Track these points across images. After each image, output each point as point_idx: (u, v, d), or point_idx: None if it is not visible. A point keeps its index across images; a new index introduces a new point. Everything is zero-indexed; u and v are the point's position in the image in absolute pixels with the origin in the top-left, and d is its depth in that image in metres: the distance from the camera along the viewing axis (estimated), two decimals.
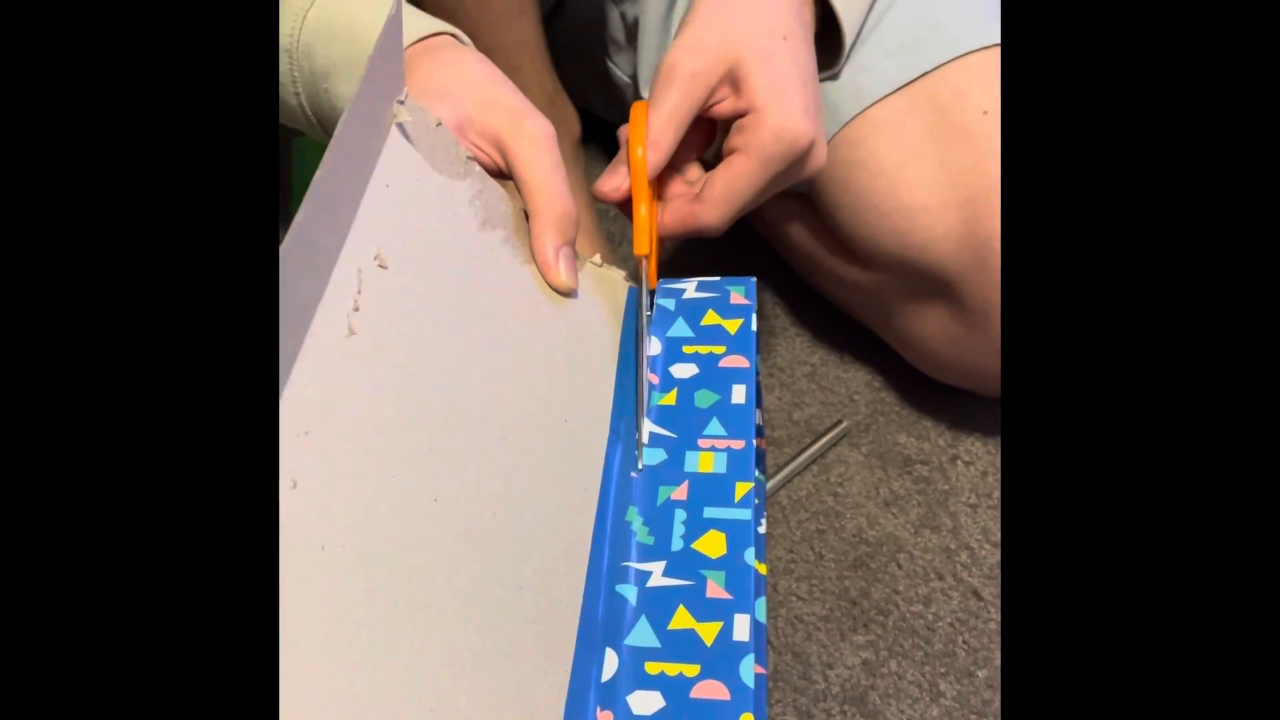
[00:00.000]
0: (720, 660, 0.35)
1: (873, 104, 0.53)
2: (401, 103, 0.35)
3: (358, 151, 0.32)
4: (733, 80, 0.46)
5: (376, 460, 0.30)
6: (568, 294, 0.41)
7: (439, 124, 0.37)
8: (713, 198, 0.46)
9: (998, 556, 0.55)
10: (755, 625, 0.36)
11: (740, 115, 0.46)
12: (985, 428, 0.61)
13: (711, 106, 0.47)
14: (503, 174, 0.42)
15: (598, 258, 0.45)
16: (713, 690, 0.34)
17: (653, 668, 0.35)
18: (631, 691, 0.35)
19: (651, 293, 0.46)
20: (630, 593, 0.37)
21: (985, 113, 0.51)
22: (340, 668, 0.26)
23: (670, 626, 0.36)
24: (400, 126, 0.35)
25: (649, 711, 0.34)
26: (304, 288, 0.28)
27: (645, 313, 0.44)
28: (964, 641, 0.52)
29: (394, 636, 0.28)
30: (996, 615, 0.53)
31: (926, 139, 0.52)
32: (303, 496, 0.27)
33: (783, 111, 0.44)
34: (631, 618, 0.36)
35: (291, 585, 0.26)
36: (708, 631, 0.36)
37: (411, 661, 0.29)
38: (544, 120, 0.41)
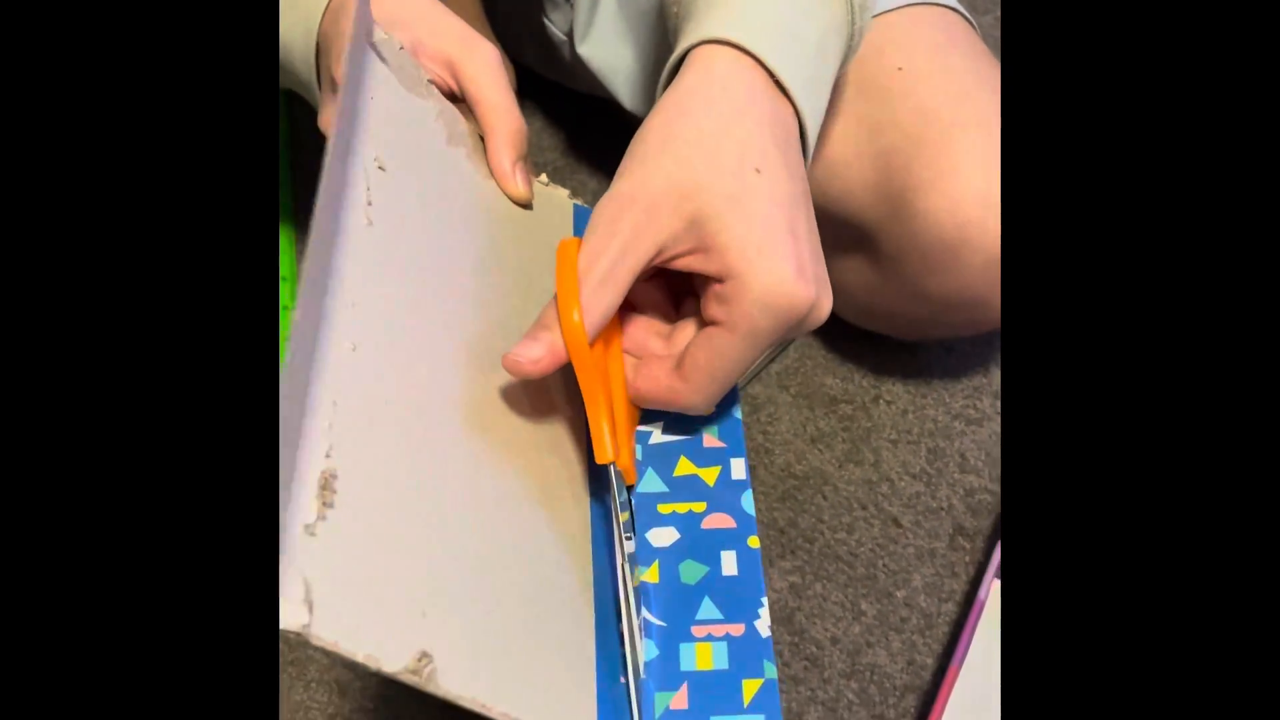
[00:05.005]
0: (723, 496, 0.40)
1: None
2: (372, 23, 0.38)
3: (355, 66, 0.36)
4: (697, 235, 0.37)
5: (408, 328, 0.35)
6: (524, 205, 0.45)
7: (401, 47, 0.40)
8: (696, 378, 0.38)
9: (916, 488, 0.59)
10: (749, 467, 0.41)
11: (714, 279, 0.37)
12: (905, 370, 0.65)
13: (669, 260, 0.38)
14: (454, 97, 0.44)
15: (544, 177, 0.48)
16: (720, 521, 0.39)
17: (664, 508, 0.39)
18: (649, 529, 0.39)
19: (629, 490, 0.40)
20: (635, 450, 0.41)
21: (900, 69, 0.54)
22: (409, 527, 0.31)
23: (675, 474, 0.40)
24: (373, 45, 0.38)
25: (667, 544, 0.39)
26: (335, 184, 0.33)
27: (619, 519, 0.38)
28: (884, 565, 0.56)
29: (442, 498, 0.33)
30: (914, 541, 0.57)
31: (845, 94, 0.55)
32: (362, 357, 0.32)
33: (769, 274, 0.36)
34: (639, 470, 0.40)
35: (363, 431, 0.31)
36: (709, 475, 0.40)
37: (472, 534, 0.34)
38: (491, 45, 0.44)
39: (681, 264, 0.38)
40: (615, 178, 0.38)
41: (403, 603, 0.29)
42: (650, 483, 0.40)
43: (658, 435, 0.42)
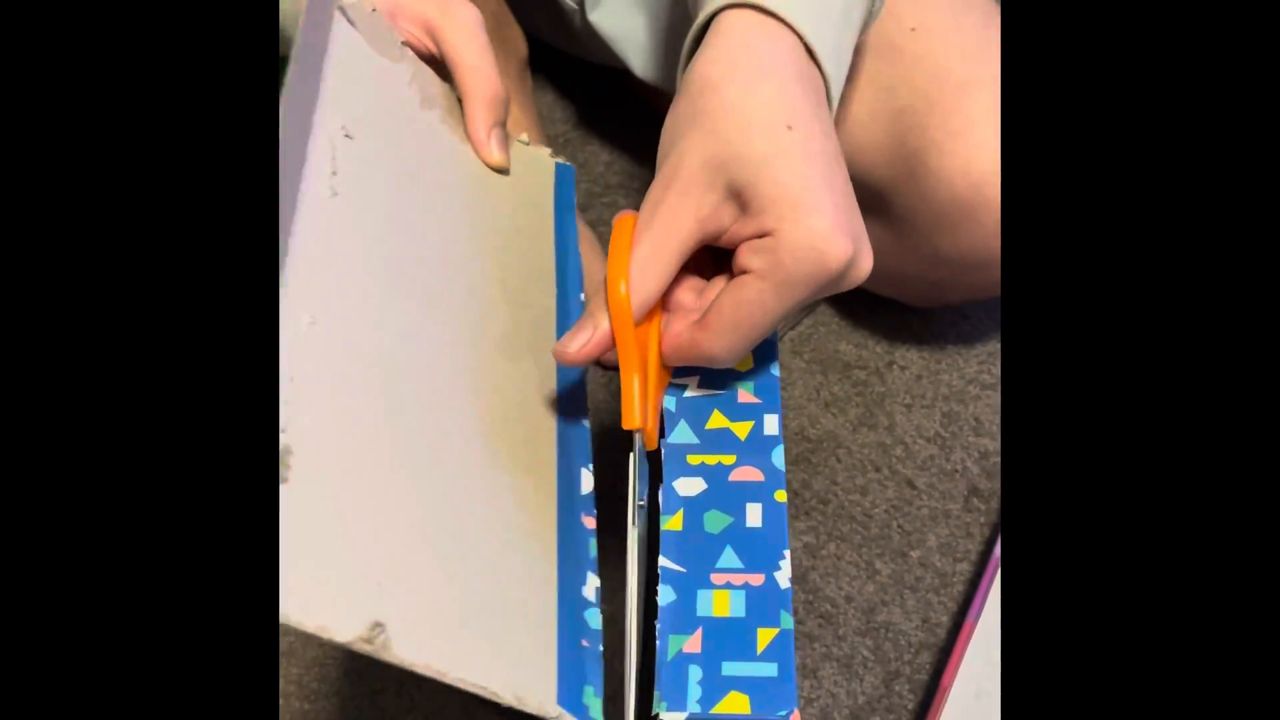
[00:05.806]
0: (754, 450, 0.39)
1: None
2: None
3: (316, 33, 0.35)
4: (736, 203, 0.37)
5: (375, 299, 0.34)
6: (500, 170, 0.45)
7: (374, 10, 0.40)
8: (720, 327, 0.37)
9: (930, 450, 0.59)
10: (781, 425, 0.40)
11: (752, 237, 0.37)
12: (919, 336, 0.65)
13: (720, 241, 0.38)
14: (433, 59, 0.44)
15: (525, 136, 0.48)
16: (749, 474, 0.39)
17: (694, 459, 0.39)
18: (676, 478, 0.39)
19: (654, 455, 0.40)
20: (670, 402, 0.41)
21: (913, 30, 0.54)
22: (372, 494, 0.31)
23: (707, 426, 0.40)
24: (342, 10, 0.38)
25: (693, 493, 0.39)
26: (291, 156, 0.32)
27: (634, 483, 0.38)
28: (898, 526, 0.56)
29: (401, 469, 0.33)
30: (929, 502, 0.57)
31: (860, 54, 0.55)
32: (321, 330, 0.31)
33: (805, 228, 0.35)
34: (671, 421, 0.40)
35: (321, 405, 0.30)
36: (741, 429, 0.40)
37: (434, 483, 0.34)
38: (472, 7, 0.44)
39: (730, 238, 0.38)
40: (659, 158, 0.38)
41: (357, 575, 0.29)
42: (681, 434, 0.40)
43: (693, 389, 0.42)
